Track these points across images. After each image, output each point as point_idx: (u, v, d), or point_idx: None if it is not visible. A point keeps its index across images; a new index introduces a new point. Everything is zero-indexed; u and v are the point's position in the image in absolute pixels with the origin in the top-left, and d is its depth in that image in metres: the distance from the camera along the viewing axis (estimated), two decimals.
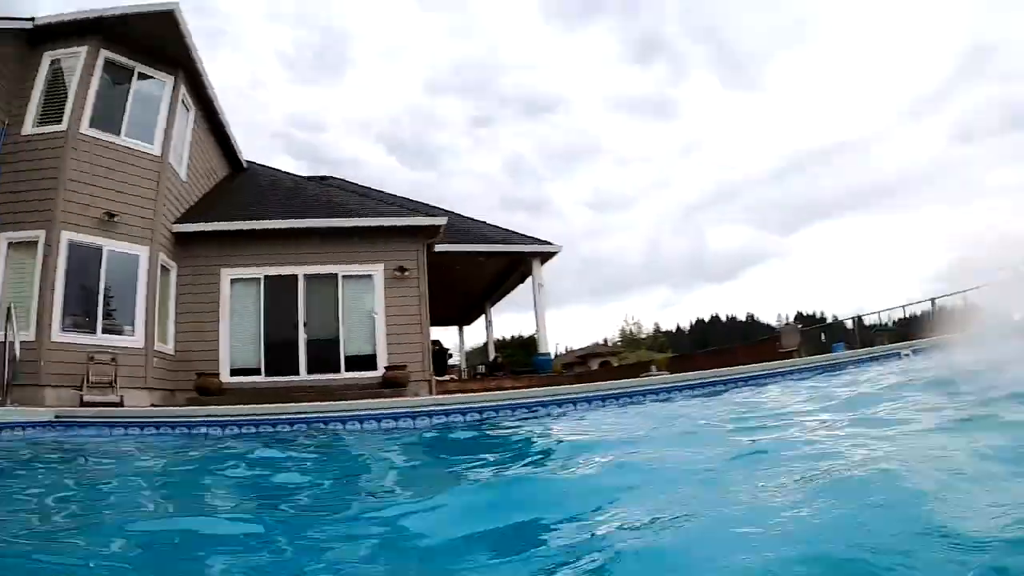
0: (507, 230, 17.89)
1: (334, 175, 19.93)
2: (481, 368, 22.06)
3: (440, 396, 7.82)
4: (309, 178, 17.77)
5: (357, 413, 6.35)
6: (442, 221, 13.49)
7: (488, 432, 5.86)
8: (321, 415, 6.32)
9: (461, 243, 15.90)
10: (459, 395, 8.72)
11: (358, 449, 5.58)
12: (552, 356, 18.66)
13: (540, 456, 4.45)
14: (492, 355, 22.23)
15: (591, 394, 6.88)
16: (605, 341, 48.48)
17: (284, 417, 6.35)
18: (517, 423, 6.13)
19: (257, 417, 6.45)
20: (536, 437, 5.49)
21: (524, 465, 4.02)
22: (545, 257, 17.53)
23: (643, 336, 49.60)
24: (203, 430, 6.32)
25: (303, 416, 6.33)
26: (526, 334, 31.04)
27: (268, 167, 17.98)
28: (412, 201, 15.56)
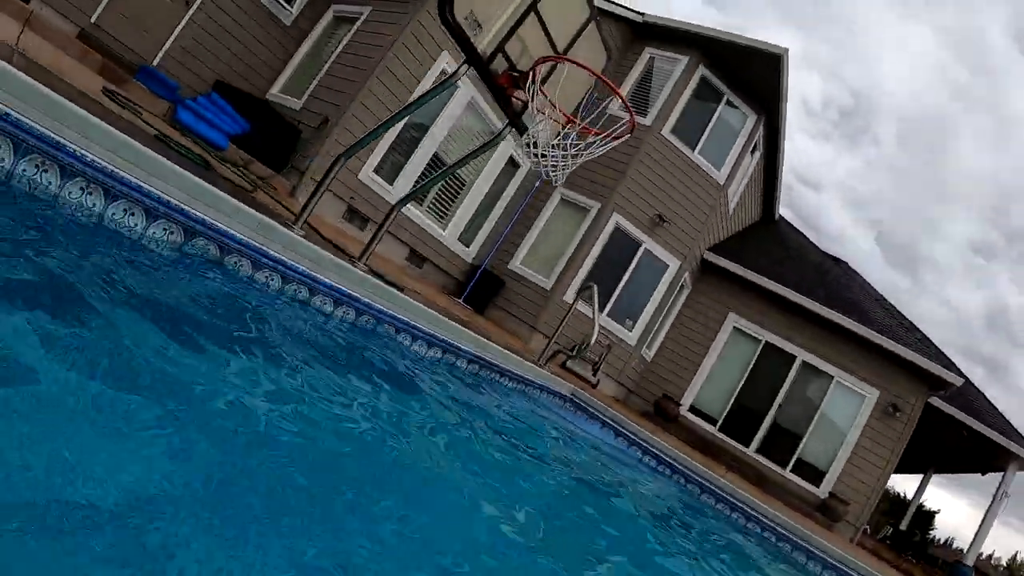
0: (1001, 414, 15.53)
1: (841, 256, 18.47)
2: (888, 529, 21.08)
3: None
4: (829, 256, 17.51)
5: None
6: (959, 381, 12.40)
7: None
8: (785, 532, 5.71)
9: (951, 404, 14.15)
10: None
11: None
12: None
13: None
14: (907, 524, 21.68)
15: None
16: (989, 557, 41.95)
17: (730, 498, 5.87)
18: None
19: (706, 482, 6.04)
20: None
21: None
22: None
23: None
24: (656, 464, 6.19)
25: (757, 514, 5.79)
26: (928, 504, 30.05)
27: (796, 228, 18.06)
28: (930, 340, 14.28)
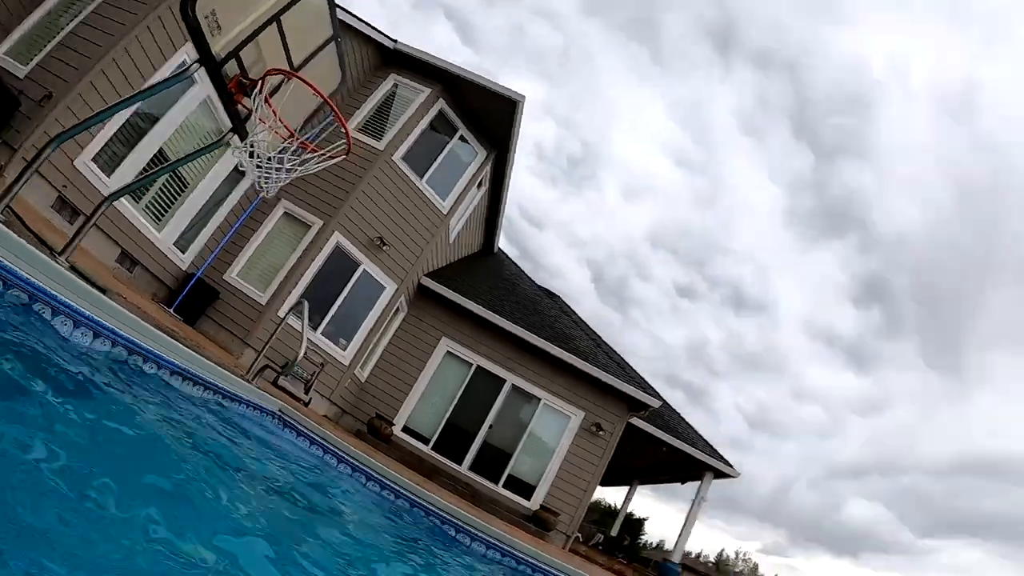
0: (695, 431, 17.82)
1: (557, 291, 20.34)
2: (600, 537, 21.67)
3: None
4: (542, 289, 18.50)
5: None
6: (656, 404, 14.00)
7: None
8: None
9: (651, 424, 15.81)
10: None
11: None
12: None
13: None
14: (617, 531, 22.81)
15: None
16: (698, 556, 43.24)
17: (446, 515, 6.20)
18: None
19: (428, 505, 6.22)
20: None
21: None
22: (719, 474, 16.99)
23: (738, 571, 45.34)
24: (364, 481, 6.29)
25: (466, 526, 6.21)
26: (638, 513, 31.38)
27: (514, 261, 18.75)
28: (630, 367, 16.33)
